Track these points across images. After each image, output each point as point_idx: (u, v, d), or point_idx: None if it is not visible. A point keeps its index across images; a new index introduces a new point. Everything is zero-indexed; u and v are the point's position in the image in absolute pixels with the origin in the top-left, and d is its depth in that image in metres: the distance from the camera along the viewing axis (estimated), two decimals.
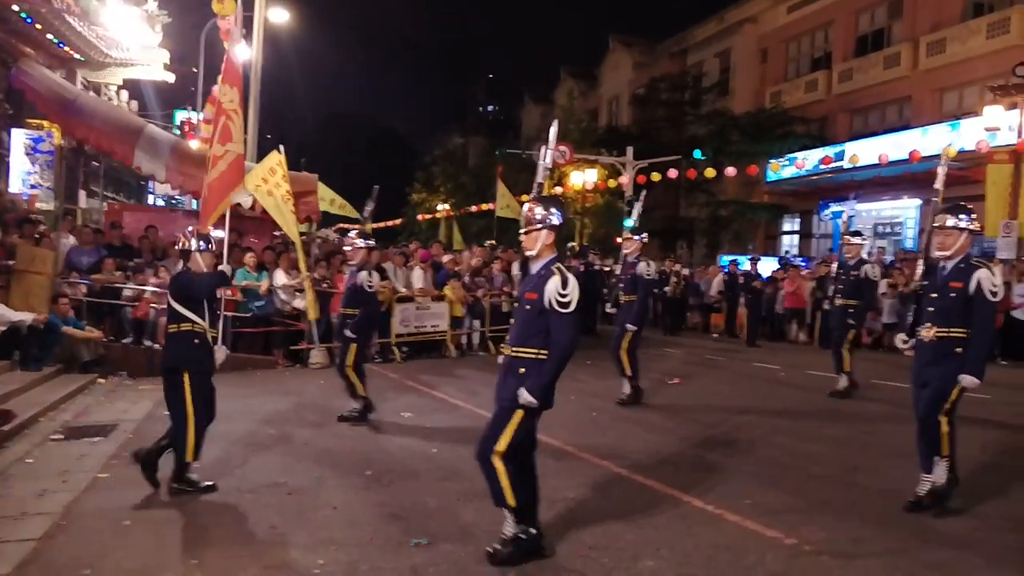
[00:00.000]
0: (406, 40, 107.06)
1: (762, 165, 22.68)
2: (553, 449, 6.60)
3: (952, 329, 4.94)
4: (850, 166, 20.65)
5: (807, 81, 27.31)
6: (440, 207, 36.74)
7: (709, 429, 7.58)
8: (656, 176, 21.59)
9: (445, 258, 14.18)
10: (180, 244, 5.76)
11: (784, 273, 17.19)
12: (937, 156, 17.98)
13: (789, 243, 27.35)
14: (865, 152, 19.83)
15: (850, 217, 15.36)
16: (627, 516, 4.92)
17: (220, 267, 5.93)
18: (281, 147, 10.86)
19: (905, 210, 22.79)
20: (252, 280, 11.23)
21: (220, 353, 5.67)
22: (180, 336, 5.45)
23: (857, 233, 10.16)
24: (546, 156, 5.49)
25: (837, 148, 22.35)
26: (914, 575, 4.15)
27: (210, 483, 5.42)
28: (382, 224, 33.57)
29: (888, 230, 23.87)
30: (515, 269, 11.82)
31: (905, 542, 4.57)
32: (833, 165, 21.66)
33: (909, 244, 22.06)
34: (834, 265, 10.43)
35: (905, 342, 5.40)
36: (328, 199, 15.10)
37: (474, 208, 30.01)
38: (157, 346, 10.02)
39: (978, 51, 20.95)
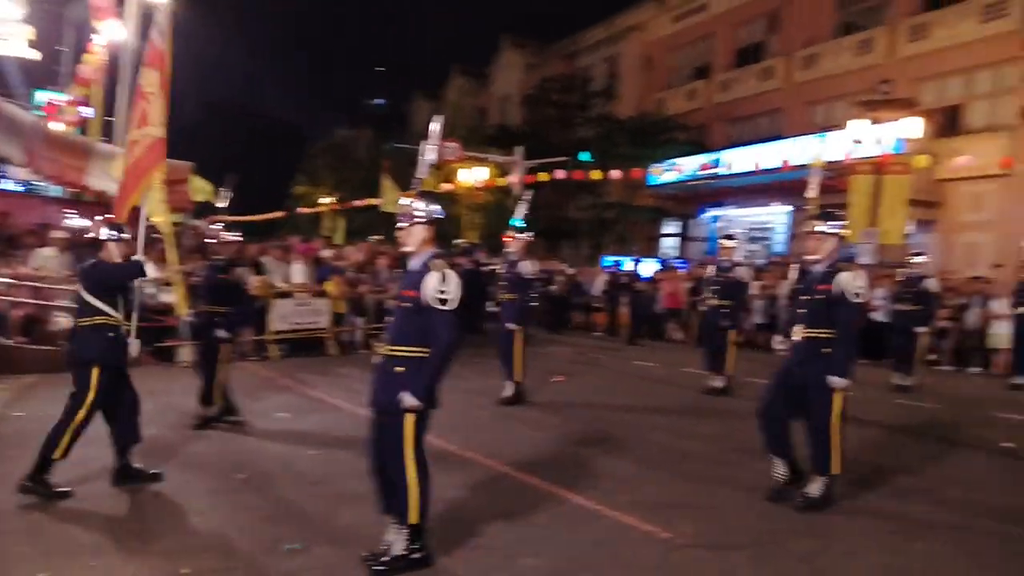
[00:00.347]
0: (294, 29, 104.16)
1: (645, 169, 23.31)
2: (435, 449, 6.49)
3: (820, 330, 5.13)
4: (726, 172, 21.49)
5: (688, 90, 28.28)
6: (324, 200, 35.91)
7: (590, 426, 7.68)
8: (544, 176, 21.82)
9: (327, 253, 13.82)
10: (91, 233, 5.46)
11: (664, 274, 17.72)
12: (806, 166, 19.01)
13: (669, 245, 28.21)
14: (740, 160, 20.69)
15: (725, 222, 15.93)
16: (508, 515, 4.90)
17: (134, 257, 5.53)
18: None
19: (776, 216, 23.91)
20: None
21: (134, 347, 5.48)
22: (93, 330, 5.16)
23: (730, 236, 10.56)
24: (426, 152, 5.42)
25: (714, 155, 23.22)
26: (783, 565, 4.31)
27: (65, 488, 5.02)
28: (261, 217, 32.45)
29: (761, 235, 24.99)
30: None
31: (774, 534, 4.75)
32: (711, 171, 22.48)
33: (780, 248, 23.18)
34: (711, 267, 10.78)
35: (781, 343, 5.62)
36: (202, 189, 14.44)
37: (360, 202, 29.49)
38: (11, 342, 9.29)
39: (846, 67, 22.24)
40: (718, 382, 9.69)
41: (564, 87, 31.23)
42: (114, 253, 5.35)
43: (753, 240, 24.98)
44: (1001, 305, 12.78)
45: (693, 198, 25.09)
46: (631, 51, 30.76)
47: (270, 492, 5.25)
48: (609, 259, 21.60)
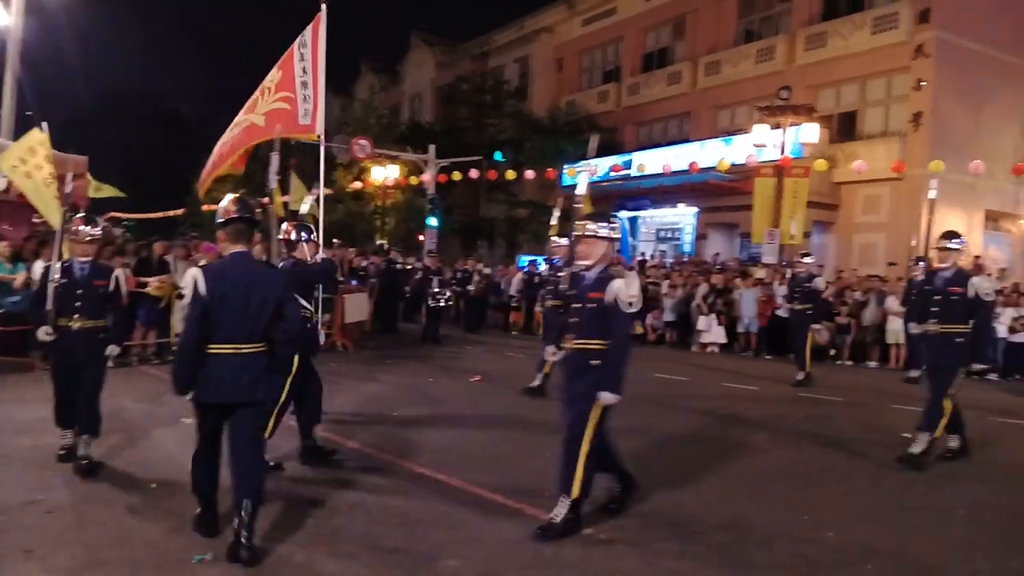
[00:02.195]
0: (196, 18, 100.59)
1: (558, 170, 23.53)
2: (350, 451, 6.38)
3: (593, 341, 4.63)
4: (637, 174, 21.91)
5: (599, 92, 28.72)
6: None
7: (508, 425, 7.66)
8: (457, 175, 21.74)
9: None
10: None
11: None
12: (713, 168, 19.61)
13: None
14: (650, 162, 21.12)
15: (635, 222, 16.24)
16: (430, 517, 4.83)
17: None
18: (44, 124, 9.67)
19: (684, 217, 24.55)
20: (6, 272, 10.01)
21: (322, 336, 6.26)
22: None
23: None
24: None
25: (626, 157, 23.65)
26: (700, 556, 4.38)
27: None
28: (160, 214, 31.19)
29: (670, 235, 25.62)
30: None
31: (690, 526, 4.83)
32: (622, 173, 22.89)
33: (687, 248, 23.81)
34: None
35: (554, 354, 4.99)
36: (96, 185, 13.74)
37: (267, 200, 28.69)
38: None
39: (748, 74, 23.01)
40: None
41: (477, 86, 31.25)
42: (308, 252, 6.11)
43: (662, 240, 25.63)
44: (895, 302, 13.44)
45: (605, 199, 25.45)
46: (542, 53, 31.02)
47: (180, 500, 5.01)
48: (525, 258, 21.71)
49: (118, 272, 5.94)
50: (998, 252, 19.87)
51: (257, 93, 8.08)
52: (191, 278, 4.17)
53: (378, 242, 22.16)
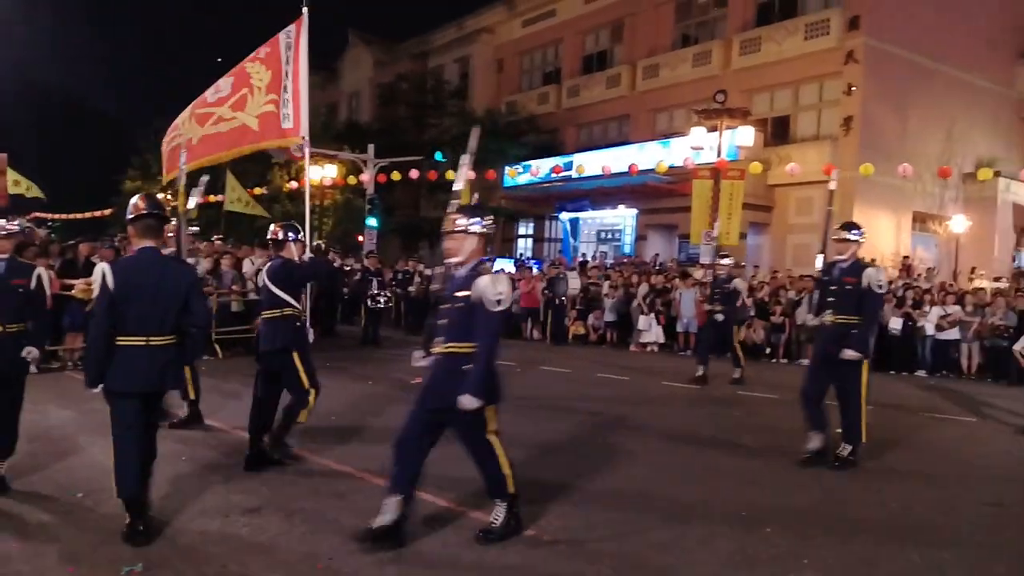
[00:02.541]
0: (125, 12, 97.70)
1: (499, 171, 23.52)
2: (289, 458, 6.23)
3: (461, 344, 4.35)
4: (577, 176, 22.04)
5: (539, 93, 28.82)
6: (159, 197, 33.85)
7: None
8: (397, 175, 21.54)
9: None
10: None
11: (520, 275, 17.94)
12: (652, 170, 19.83)
13: (524, 246, 28.63)
14: (591, 163, 21.27)
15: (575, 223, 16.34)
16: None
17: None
18: None
19: (624, 218, 24.81)
20: None
21: (311, 334, 6.33)
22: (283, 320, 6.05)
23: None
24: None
25: (566, 158, 23.77)
26: (642, 555, 4.40)
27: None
28: (88, 214, 30.21)
29: (610, 236, 25.85)
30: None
31: (631, 525, 4.85)
32: (563, 174, 23.01)
33: (628, 249, 24.06)
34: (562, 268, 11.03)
35: (423, 358, 4.70)
36: (16, 181, 13.19)
37: (200, 200, 28.02)
38: None
39: (685, 77, 23.37)
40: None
41: (417, 86, 31.03)
42: (295, 252, 6.16)
43: (602, 241, 25.85)
44: None
45: (546, 199, 25.60)
46: (482, 53, 30.98)
47: (109, 508, 4.82)
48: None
49: (40, 270, 5.48)
50: (925, 253, 20.60)
51: (245, 89, 8.02)
52: (99, 272, 4.31)
53: (315, 243, 21.77)
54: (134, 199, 4.60)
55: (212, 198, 25.79)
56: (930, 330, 13.23)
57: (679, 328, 15.47)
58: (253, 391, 6.01)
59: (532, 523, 4.75)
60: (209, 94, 8.47)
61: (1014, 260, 22.04)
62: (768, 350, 14.64)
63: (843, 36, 19.73)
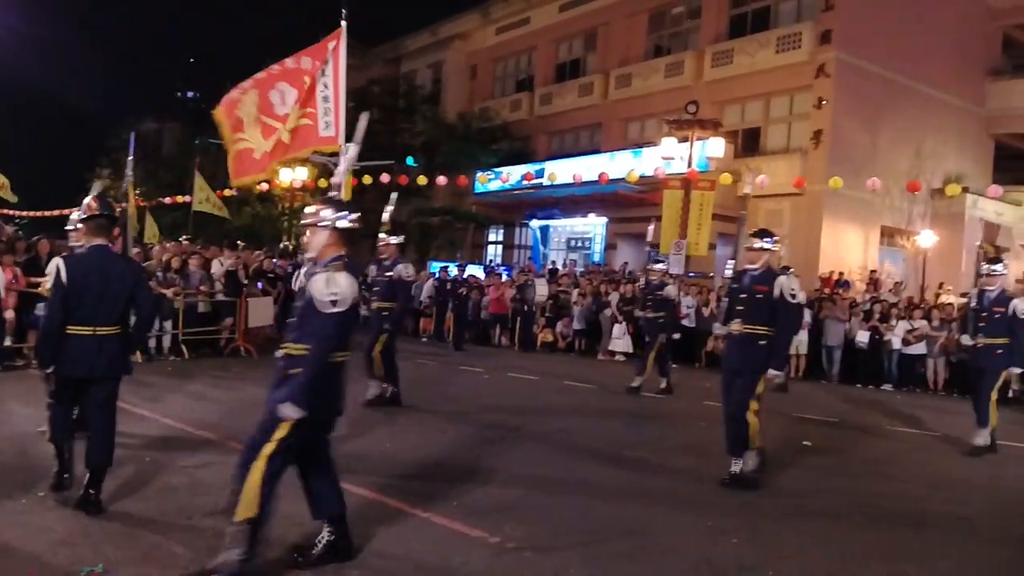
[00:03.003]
0: (96, 10, 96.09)
1: (471, 176, 23.47)
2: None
3: (299, 345, 4.01)
4: (548, 183, 22.05)
5: (512, 100, 28.84)
6: (91, 195, 33.34)
7: (415, 432, 7.51)
8: (368, 179, 21.38)
9: (131, 252, 12.70)
10: None
11: (489, 281, 17.91)
12: (622, 179, 19.89)
13: (494, 253, 28.59)
14: (562, 171, 21.29)
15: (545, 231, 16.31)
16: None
17: None
18: None
19: (594, 227, 24.87)
20: None
21: None
22: None
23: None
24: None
25: (538, 166, 23.78)
26: (606, 564, 4.36)
27: None
28: (57, 212, 29.62)
29: (580, 244, 25.91)
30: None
31: (596, 534, 4.81)
32: (534, 181, 23.01)
33: (597, 258, 24.11)
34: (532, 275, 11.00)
35: (277, 355, 4.25)
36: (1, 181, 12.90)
37: (168, 200, 27.64)
38: None
39: (658, 87, 23.51)
40: None
41: (389, 90, 30.90)
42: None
43: (572, 249, 25.90)
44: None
45: (517, 206, 25.58)
46: (455, 59, 30.94)
47: (68, 510, 4.67)
48: (436, 264, 21.55)
49: None
50: (893, 267, 20.88)
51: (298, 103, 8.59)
52: (54, 267, 4.73)
53: (282, 244, 21.53)
54: (87, 199, 5.02)
55: (180, 199, 25.47)
56: (897, 344, 13.37)
57: (646, 337, 15.45)
58: None
59: (496, 531, 4.68)
60: (276, 103, 8.69)
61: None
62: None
63: (814, 50, 19.97)
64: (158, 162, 38.33)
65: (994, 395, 7.98)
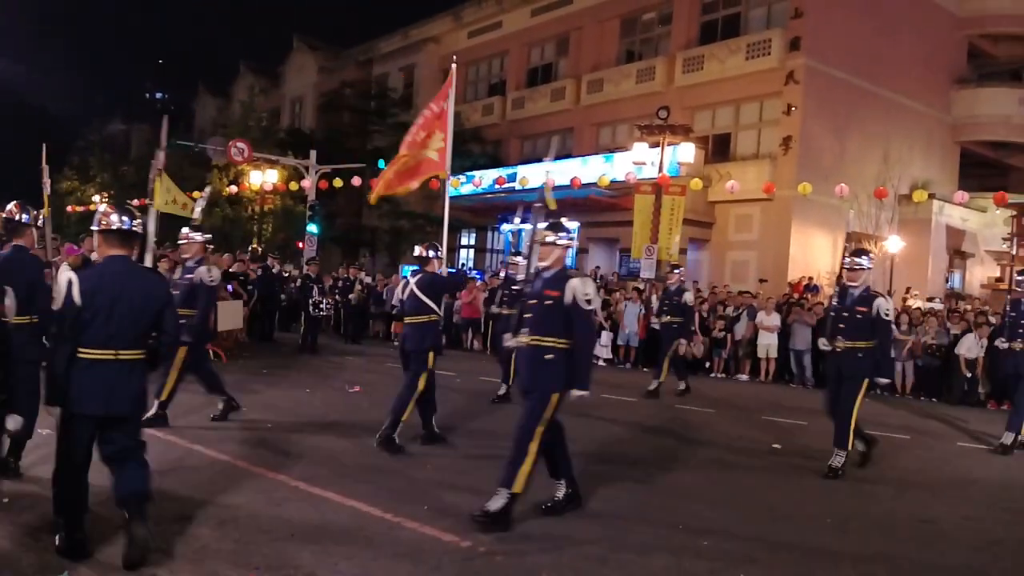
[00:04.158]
0: (62, 10, 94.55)
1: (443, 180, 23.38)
2: (223, 464, 6.03)
3: (136, 351, 4.14)
4: (521, 188, 22.07)
5: (484, 104, 28.85)
6: (96, 199, 32.92)
7: None
8: (339, 182, 21.27)
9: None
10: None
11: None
12: (594, 184, 19.96)
13: (466, 256, 28.54)
14: (534, 176, 21.31)
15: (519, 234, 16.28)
16: (303, 532, 4.59)
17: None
18: None
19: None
20: None
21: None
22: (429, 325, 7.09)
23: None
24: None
25: (510, 170, 23.79)
26: (579, 567, 4.35)
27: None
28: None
29: None
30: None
31: (567, 538, 4.80)
32: (506, 186, 23.02)
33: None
34: (502, 276, 11.00)
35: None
36: None
37: (136, 202, 27.25)
38: None
39: (629, 93, 23.65)
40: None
41: (361, 93, 30.78)
42: (437, 267, 7.22)
43: None
44: (766, 317, 14.01)
45: (489, 211, 25.57)
46: (427, 63, 30.88)
47: (34, 515, 4.56)
48: (408, 268, 21.43)
49: None
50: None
51: (423, 132, 9.70)
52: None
53: (250, 247, 21.32)
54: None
55: (147, 200, 25.06)
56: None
57: (620, 341, 15.54)
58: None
59: (467, 535, 4.66)
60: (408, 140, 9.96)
61: (947, 281, 22.80)
62: (708, 364, 14.81)
63: (784, 57, 20.22)
64: (126, 163, 37.82)
65: (857, 406, 6.86)
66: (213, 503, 5.04)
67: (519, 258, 10.80)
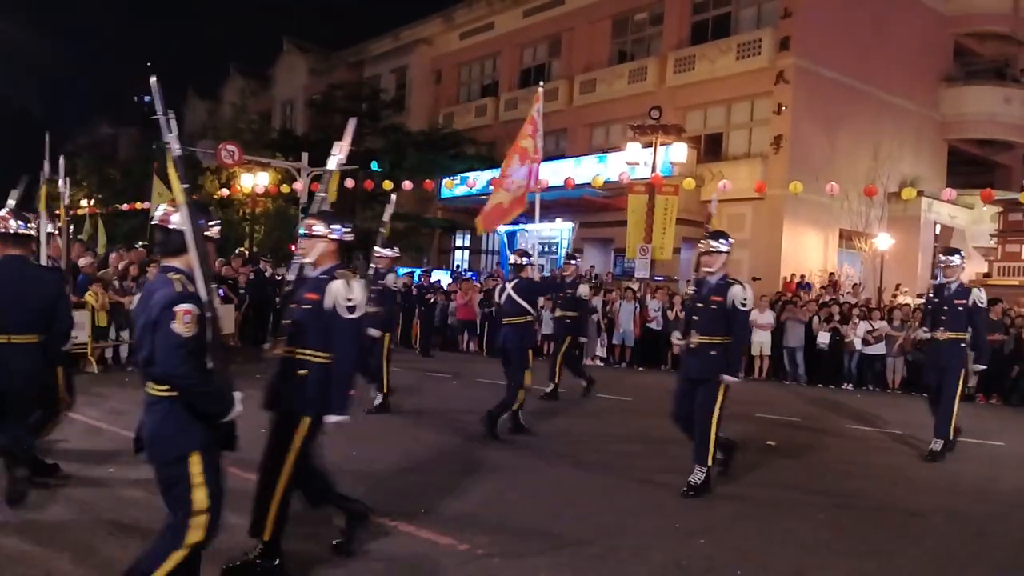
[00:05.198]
0: (50, 13, 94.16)
1: (437, 182, 23.39)
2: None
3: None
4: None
5: (477, 106, 28.85)
6: (83, 203, 32.79)
7: (382, 439, 7.45)
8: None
9: (85, 260, 12.43)
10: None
11: (457, 286, 17.85)
12: (588, 184, 19.94)
13: (461, 258, 28.53)
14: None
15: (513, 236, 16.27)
16: (301, 535, 4.57)
17: None
18: None
19: (561, 231, 24.90)
20: None
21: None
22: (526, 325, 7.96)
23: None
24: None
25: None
26: (578, 566, 4.37)
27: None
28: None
29: (547, 249, 25.91)
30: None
31: (564, 538, 4.82)
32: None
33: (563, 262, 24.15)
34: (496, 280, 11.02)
35: None
36: None
37: (125, 206, 27.18)
38: None
39: (621, 93, 23.69)
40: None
41: (352, 95, 30.72)
42: (532, 273, 8.16)
43: (541, 254, 25.90)
44: (759, 316, 14.03)
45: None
46: (419, 64, 30.88)
47: (25, 528, 4.56)
48: (402, 270, 21.41)
49: None
50: (851, 269, 21.23)
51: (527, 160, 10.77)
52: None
53: (238, 249, 21.24)
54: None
55: (139, 205, 25.01)
56: (857, 344, 13.58)
57: (615, 341, 15.55)
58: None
59: (465, 538, 4.66)
60: (512, 172, 11.14)
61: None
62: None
63: (774, 56, 20.28)
64: (114, 167, 37.70)
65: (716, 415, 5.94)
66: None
67: (573, 262, 11.03)
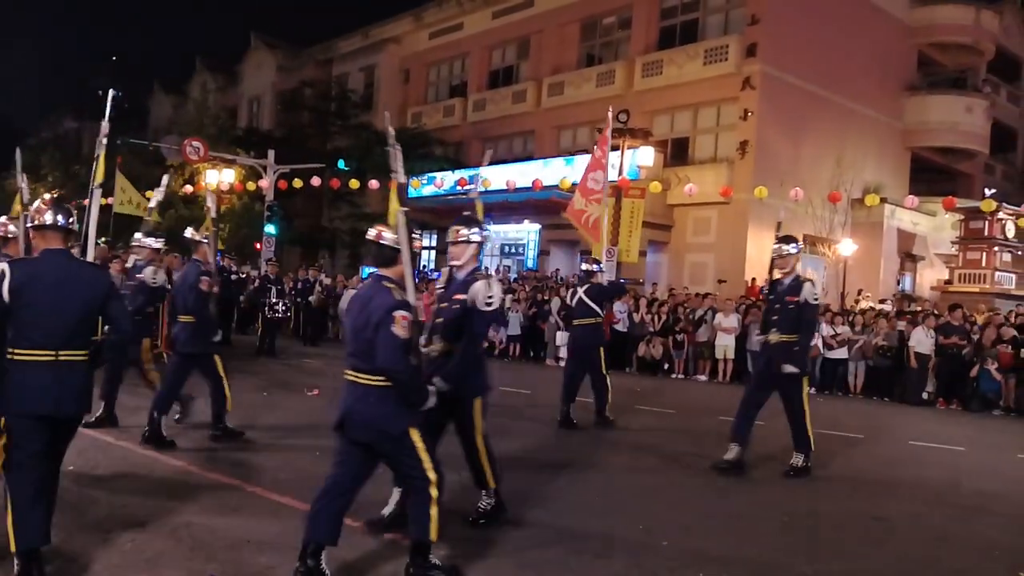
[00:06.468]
0: (13, 6, 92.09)
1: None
2: (174, 469, 5.93)
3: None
4: (482, 189, 21.99)
5: (445, 106, 28.79)
6: (46, 198, 32.11)
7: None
8: (299, 183, 21.05)
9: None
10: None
11: (422, 286, 17.73)
12: (555, 186, 19.97)
13: (427, 258, 28.40)
14: (496, 178, 21.28)
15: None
16: (261, 538, 4.53)
17: None
18: None
19: (527, 233, 24.97)
20: None
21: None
22: (594, 327, 8.93)
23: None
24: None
25: (472, 172, 23.73)
26: (541, 567, 4.38)
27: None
28: None
29: (513, 250, 25.97)
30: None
31: (528, 540, 4.81)
32: (468, 187, 22.95)
33: (531, 264, 24.21)
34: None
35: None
36: None
37: (87, 201, 26.63)
38: None
39: (589, 96, 23.77)
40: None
41: (321, 93, 30.49)
42: (601, 279, 9.05)
43: (506, 255, 25.96)
44: (724, 319, 14.17)
45: (450, 212, 25.40)
46: (388, 63, 30.72)
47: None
48: (368, 269, 21.28)
49: None
50: (814, 274, 21.50)
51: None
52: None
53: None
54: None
55: (104, 201, 24.49)
56: (820, 349, 13.75)
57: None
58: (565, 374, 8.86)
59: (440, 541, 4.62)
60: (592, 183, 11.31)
61: (898, 283, 23.31)
62: (667, 366, 14.96)
63: (741, 63, 20.49)
64: (78, 162, 36.98)
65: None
66: (167, 510, 4.95)
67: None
